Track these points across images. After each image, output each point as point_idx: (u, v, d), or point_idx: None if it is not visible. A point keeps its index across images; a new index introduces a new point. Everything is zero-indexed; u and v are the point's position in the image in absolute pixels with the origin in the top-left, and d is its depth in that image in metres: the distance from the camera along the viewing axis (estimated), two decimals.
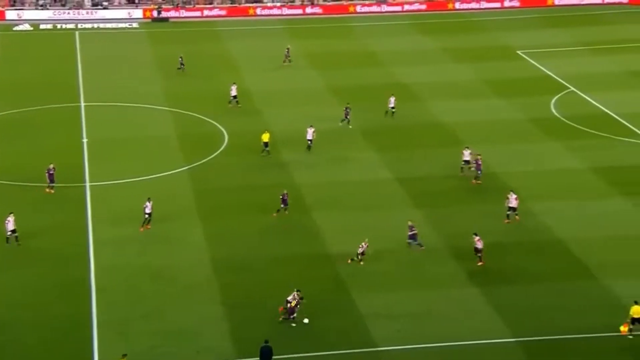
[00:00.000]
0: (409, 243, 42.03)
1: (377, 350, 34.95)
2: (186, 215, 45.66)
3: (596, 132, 56.04)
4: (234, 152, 54.00)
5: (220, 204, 47.09)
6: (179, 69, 68.69)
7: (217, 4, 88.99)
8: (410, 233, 42.01)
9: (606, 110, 60.04)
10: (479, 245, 40.28)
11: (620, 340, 35.16)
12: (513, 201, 44.36)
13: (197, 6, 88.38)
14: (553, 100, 62.27)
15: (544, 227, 44.21)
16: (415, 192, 48.20)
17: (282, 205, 45.39)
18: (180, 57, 69.09)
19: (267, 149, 52.79)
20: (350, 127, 57.09)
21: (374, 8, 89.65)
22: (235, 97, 61.18)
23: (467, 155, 50.16)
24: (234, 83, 62.27)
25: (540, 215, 45.37)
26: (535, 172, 50.62)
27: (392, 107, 58.81)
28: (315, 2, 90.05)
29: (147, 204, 43.98)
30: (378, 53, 74.91)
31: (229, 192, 48.53)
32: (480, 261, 40.41)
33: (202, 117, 59.56)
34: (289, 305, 36.28)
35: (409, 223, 42.18)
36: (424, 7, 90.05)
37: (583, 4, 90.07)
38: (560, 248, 42.20)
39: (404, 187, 48.91)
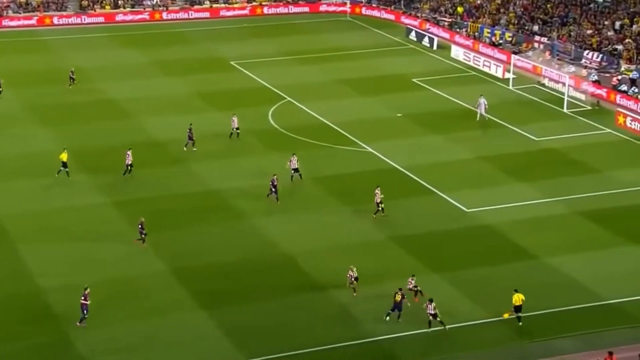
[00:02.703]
0: None
1: None
2: None
3: (315, 142, 58.48)
4: None
5: None
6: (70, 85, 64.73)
7: None
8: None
9: (322, 119, 62.85)
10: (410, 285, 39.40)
11: (350, 350, 36.84)
12: (378, 197, 47.13)
13: None
14: (270, 112, 64.21)
15: (270, 243, 45.33)
16: (131, 216, 47.50)
17: (142, 234, 43.97)
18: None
19: (67, 169, 51.09)
20: (195, 149, 55.82)
21: (73, 19, 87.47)
22: None
23: (294, 162, 51.51)
24: None
25: (264, 231, 46.50)
26: (256, 186, 51.80)
27: (237, 128, 57.92)
28: (5, 13, 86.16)
29: None
30: (82, 69, 73.20)
31: None
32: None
33: None
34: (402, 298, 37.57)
35: None
36: (128, 17, 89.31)
37: (291, 13, 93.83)
38: (288, 262, 43.50)
39: (121, 211, 48.12)
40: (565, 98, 66.00)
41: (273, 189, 48.96)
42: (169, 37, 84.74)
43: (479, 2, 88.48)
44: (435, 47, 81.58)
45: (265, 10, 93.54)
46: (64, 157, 51.44)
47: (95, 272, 41.88)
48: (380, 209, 47.61)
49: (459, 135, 60.45)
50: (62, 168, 51.33)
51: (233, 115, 58.90)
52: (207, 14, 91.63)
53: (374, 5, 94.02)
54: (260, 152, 56.74)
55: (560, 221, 48.18)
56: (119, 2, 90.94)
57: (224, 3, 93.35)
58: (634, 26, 76.08)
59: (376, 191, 47.76)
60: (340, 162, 55.68)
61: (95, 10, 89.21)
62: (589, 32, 77.61)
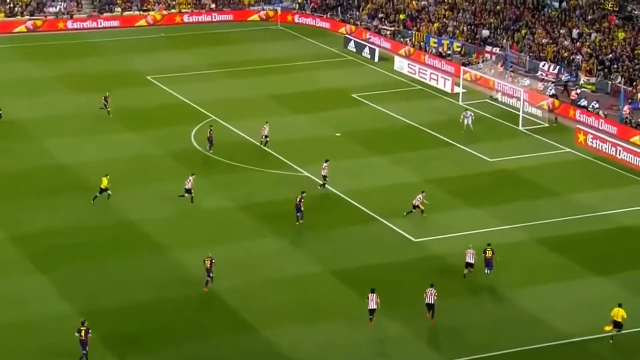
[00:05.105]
0: None
1: None
2: None
3: (244, 165, 58.30)
4: None
5: None
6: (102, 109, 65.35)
7: None
8: None
9: (252, 140, 62.73)
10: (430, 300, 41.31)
11: None
12: (417, 200, 51.15)
13: None
14: (194, 131, 63.89)
15: (192, 279, 44.87)
16: (34, 252, 46.84)
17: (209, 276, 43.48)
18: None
19: (101, 194, 51.81)
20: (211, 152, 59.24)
21: None
22: None
23: (325, 169, 54.57)
24: None
25: (185, 265, 46.09)
26: (176, 214, 51.44)
27: (266, 136, 60.35)
28: None
29: None
30: None
31: None
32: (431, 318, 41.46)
33: None
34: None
35: None
36: (27, 27, 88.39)
37: (215, 21, 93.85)
38: (213, 300, 43.16)
39: (20, 247, 47.36)
40: (521, 114, 67.00)
41: (298, 214, 50.22)
42: (75, 48, 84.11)
43: (423, 2, 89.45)
44: (376, 59, 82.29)
45: (186, 18, 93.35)
46: (104, 182, 51.82)
47: None
48: (421, 210, 51.22)
49: (404, 155, 60.90)
50: (98, 194, 51.73)
51: (265, 123, 60.82)
52: (116, 23, 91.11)
53: (307, 12, 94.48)
54: (181, 177, 56.30)
55: (516, 249, 48.68)
56: (16, 9, 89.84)
57: (139, 11, 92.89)
58: (593, 34, 77.70)
59: (419, 196, 51.18)
60: (272, 187, 55.59)
61: None
62: (544, 40, 79.09)
